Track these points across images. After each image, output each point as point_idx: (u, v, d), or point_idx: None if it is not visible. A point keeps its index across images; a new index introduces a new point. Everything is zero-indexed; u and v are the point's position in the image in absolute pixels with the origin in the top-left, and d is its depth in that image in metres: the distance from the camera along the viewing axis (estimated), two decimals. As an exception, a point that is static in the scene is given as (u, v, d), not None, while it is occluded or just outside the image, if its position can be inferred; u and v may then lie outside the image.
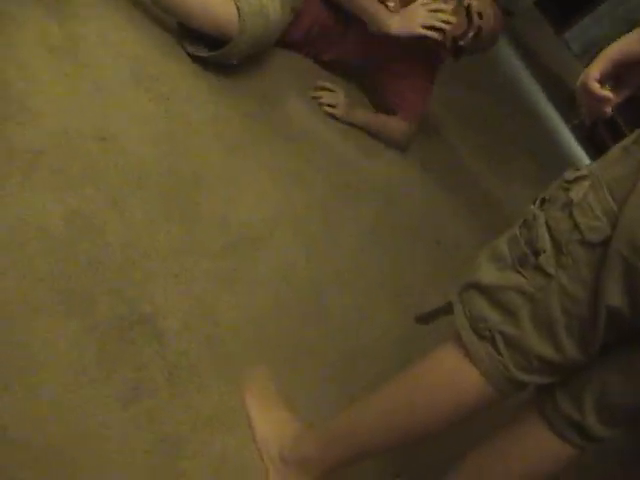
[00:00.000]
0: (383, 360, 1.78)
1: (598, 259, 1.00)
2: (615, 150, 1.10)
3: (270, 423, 1.36)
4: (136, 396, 1.21)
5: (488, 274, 1.11)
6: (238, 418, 1.35)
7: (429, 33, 2.36)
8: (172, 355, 1.31)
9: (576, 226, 1.02)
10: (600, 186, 1.02)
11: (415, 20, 2.37)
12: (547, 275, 1.04)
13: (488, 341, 1.09)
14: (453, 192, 3.02)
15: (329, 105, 2.48)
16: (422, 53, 2.66)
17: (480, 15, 2.44)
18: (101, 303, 1.26)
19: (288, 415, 1.40)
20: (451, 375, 1.13)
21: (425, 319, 1.29)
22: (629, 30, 1.10)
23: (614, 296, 0.98)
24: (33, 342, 1.13)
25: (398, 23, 2.38)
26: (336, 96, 2.51)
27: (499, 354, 1.08)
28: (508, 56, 5.55)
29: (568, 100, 5.76)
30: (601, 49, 1.12)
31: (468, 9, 2.43)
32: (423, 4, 2.39)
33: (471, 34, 2.46)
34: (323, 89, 2.50)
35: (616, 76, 1.12)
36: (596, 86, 1.10)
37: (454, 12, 2.41)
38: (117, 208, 1.40)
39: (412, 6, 2.41)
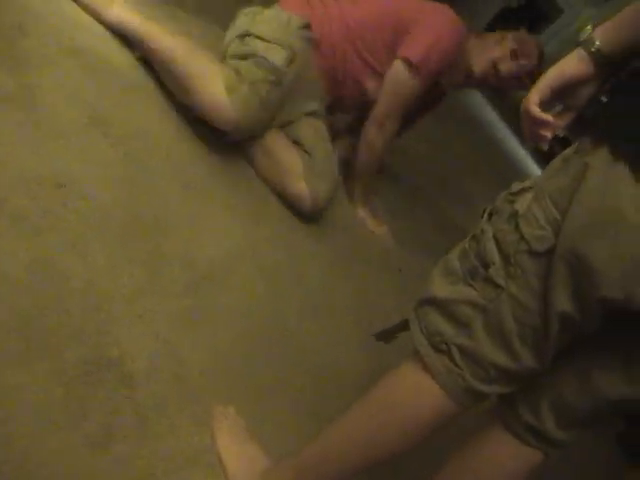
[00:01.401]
0: (352, 386, 1.78)
1: (545, 268, 1.03)
2: (556, 161, 1.13)
3: (240, 460, 1.35)
4: (106, 441, 1.19)
5: (441, 289, 1.14)
6: (209, 457, 1.34)
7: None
8: (141, 397, 1.30)
9: (522, 237, 1.05)
10: (543, 196, 1.05)
11: (368, 226, 2.72)
12: (497, 286, 1.07)
13: (445, 354, 1.11)
14: (413, 219, 3.06)
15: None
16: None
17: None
18: (67, 348, 1.25)
19: (258, 451, 1.39)
20: (413, 390, 1.15)
21: (384, 337, 1.31)
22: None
23: (563, 302, 1.01)
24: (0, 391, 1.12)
25: (363, 213, 2.73)
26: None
27: (456, 366, 1.10)
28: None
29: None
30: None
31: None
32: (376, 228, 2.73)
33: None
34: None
35: (560, 98, 1.16)
36: (537, 110, 1.14)
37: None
38: (79, 253, 1.40)
39: (377, 221, 2.76)
